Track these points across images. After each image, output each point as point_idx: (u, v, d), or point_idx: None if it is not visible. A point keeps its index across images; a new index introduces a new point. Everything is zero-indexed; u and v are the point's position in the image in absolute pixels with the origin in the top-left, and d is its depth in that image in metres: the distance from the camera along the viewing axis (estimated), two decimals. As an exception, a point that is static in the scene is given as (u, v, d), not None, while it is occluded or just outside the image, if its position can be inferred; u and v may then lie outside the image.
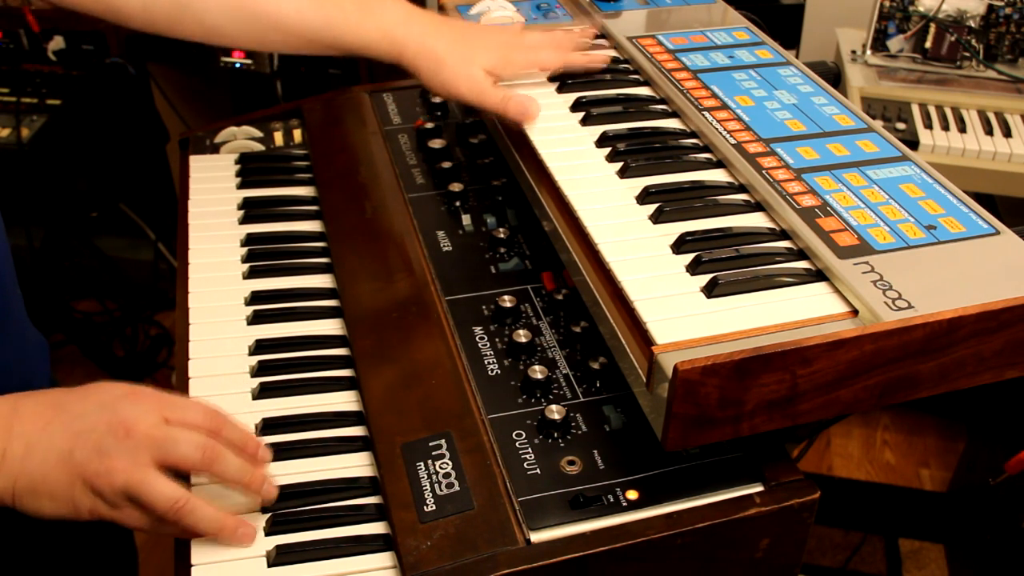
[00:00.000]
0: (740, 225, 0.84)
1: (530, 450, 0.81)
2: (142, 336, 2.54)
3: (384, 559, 0.77)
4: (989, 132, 1.73)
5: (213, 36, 1.01)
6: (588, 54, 1.08)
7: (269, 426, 0.87)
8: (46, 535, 0.98)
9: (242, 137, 1.26)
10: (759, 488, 0.79)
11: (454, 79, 1.00)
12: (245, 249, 1.08)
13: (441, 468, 0.80)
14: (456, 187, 1.11)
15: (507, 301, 0.95)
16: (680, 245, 0.81)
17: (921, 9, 1.88)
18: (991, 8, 1.85)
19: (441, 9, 1.25)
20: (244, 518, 0.77)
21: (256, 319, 0.99)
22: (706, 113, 0.97)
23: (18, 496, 0.72)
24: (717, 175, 0.92)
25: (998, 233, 0.81)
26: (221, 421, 0.78)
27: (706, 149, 0.95)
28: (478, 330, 0.94)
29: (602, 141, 0.96)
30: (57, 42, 2.29)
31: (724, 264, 0.78)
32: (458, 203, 1.10)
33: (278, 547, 0.76)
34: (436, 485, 0.78)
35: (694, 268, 0.78)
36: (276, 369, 0.93)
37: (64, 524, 0.97)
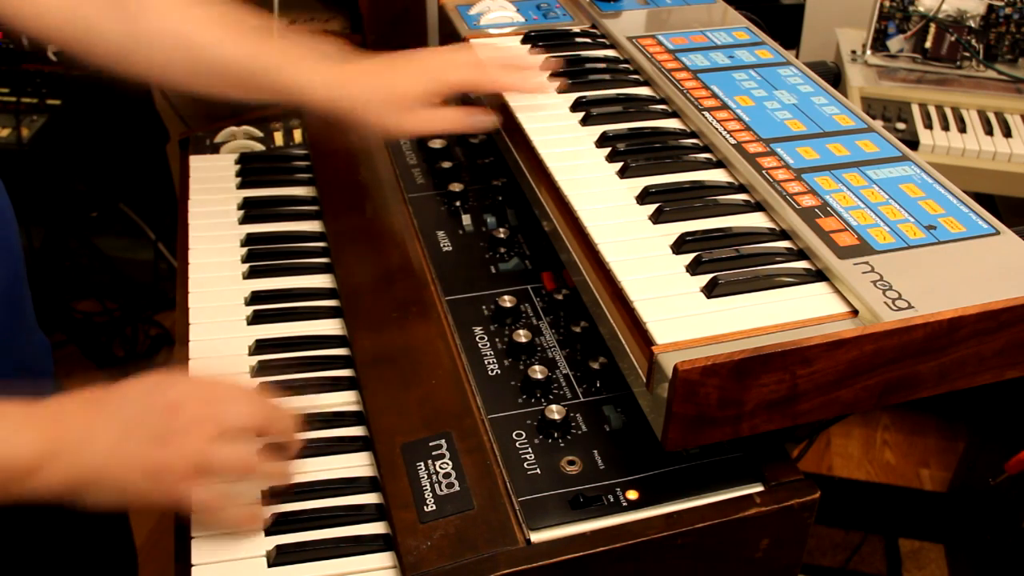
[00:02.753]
0: (740, 225, 0.84)
1: (530, 450, 0.81)
2: (142, 336, 2.54)
3: (384, 559, 0.77)
4: (989, 132, 1.73)
5: (159, 76, 0.98)
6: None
7: (269, 426, 0.87)
8: (47, 537, 0.98)
9: (242, 137, 1.26)
10: (759, 488, 0.79)
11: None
12: (245, 249, 1.08)
13: (441, 468, 0.80)
14: (456, 187, 1.11)
15: (507, 301, 0.95)
16: (680, 245, 0.81)
17: (921, 9, 1.88)
18: (991, 8, 1.85)
19: (441, 9, 1.26)
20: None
21: (256, 319, 0.99)
22: (706, 113, 0.97)
23: (76, 490, 0.72)
24: (717, 175, 0.92)
25: (998, 233, 0.81)
26: (274, 418, 0.79)
27: (706, 149, 0.95)
28: (478, 330, 0.94)
29: (602, 141, 0.96)
30: (57, 42, 2.28)
31: (724, 264, 0.78)
32: (458, 203, 1.10)
33: (278, 547, 0.76)
34: (436, 485, 0.78)
35: (694, 268, 0.78)
36: (276, 369, 0.93)
37: (63, 525, 0.97)
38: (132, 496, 0.74)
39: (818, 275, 0.78)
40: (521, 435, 0.83)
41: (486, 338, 0.93)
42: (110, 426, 0.72)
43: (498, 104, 1.07)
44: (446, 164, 1.14)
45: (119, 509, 0.73)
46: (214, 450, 0.74)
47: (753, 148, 0.92)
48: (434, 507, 0.77)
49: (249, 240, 1.09)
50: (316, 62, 0.97)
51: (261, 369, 0.93)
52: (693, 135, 0.97)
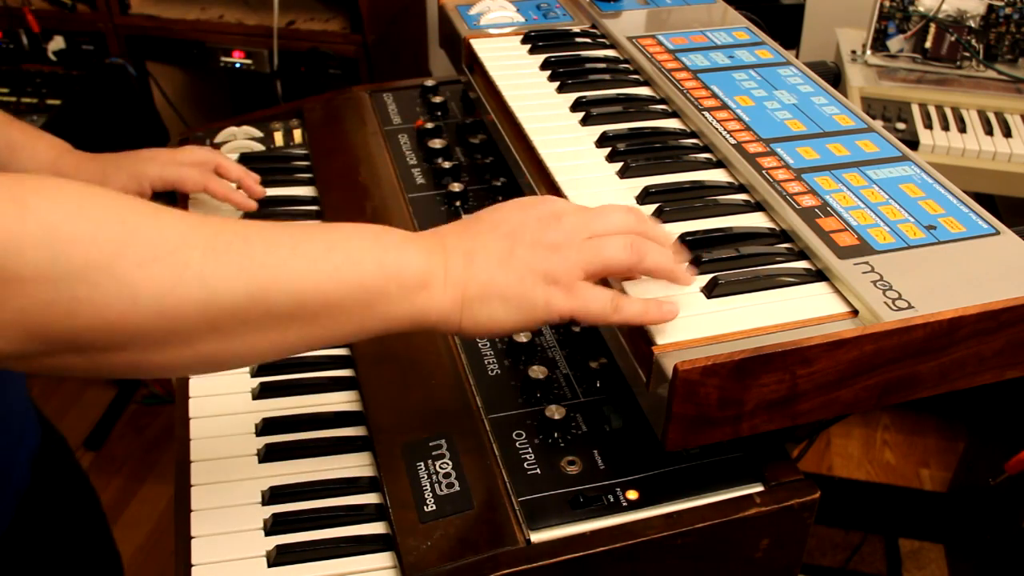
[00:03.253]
0: (740, 225, 0.84)
1: (530, 450, 0.81)
2: (142, 336, 2.54)
3: (384, 559, 0.77)
4: (989, 132, 1.73)
5: None
6: None
7: (269, 426, 0.87)
8: (29, 547, 0.97)
9: (242, 137, 1.26)
10: (759, 488, 0.79)
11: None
12: (245, 249, 1.08)
13: (441, 468, 0.80)
14: (456, 187, 1.11)
15: (507, 301, 0.95)
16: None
17: (921, 9, 1.88)
18: (991, 8, 1.85)
19: (441, 9, 1.26)
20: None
21: (256, 319, 0.99)
22: (706, 113, 0.97)
23: (467, 305, 0.68)
24: (717, 175, 0.92)
25: (998, 233, 0.81)
26: (640, 217, 0.74)
27: (706, 149, 0.95)
28: (478, 330, 0.94)
29: (602, 141, 0.96)
30: (57, 42, 2.29)
31: (724, 264, 0.78)
32: (458, 203, 1.10)
33: (278, 547, 0.77)
34: (436, 485, 0.78)
35: (694, 268, 0.78)
36: (276, 369, 0.93)
37: (46, 539, 0.96)
38: (524, 309, 0.69)
39: (818, 275, 0.78)
40: (521, 435, 0.83)
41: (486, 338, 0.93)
42: (494, 241, 0.70)
43: (497, 102, 1.07)
44: (446, 164, 1.15)
45: (504, 329, 0.70)
46: (597, 244, 0.70)
47: (753, 148, 0.92)
48: (434, 507, 0.77)
49: (249, 240, 1.09)
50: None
51: (261, 369, 0.93)
52: (693, 135, 0.97)
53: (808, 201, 0.84)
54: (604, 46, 1.15)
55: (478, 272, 0.69)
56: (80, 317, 0.56)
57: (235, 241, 0.62)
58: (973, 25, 1.87)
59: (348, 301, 0.65)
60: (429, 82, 1.33)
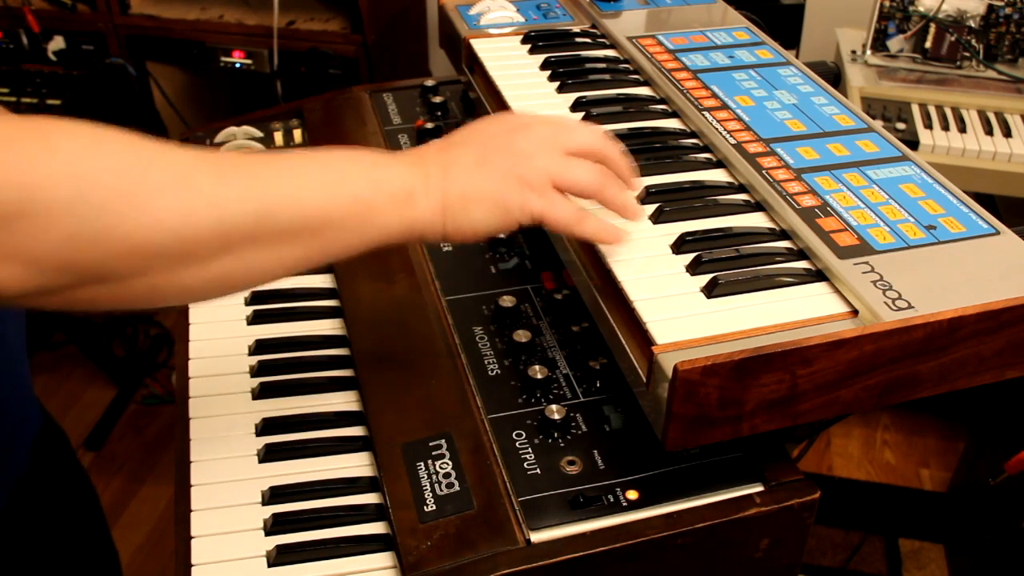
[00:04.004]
0: (740, 225, 0.84)
1: (530, 450, 0.81)
2: (142, 336, 2.55)
3: (384, 559, 0.77)
4: (989, 132, 1.73)
5: None
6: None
7: (269, 426, 0.87)
8: (23, 534, 0.97)
9: (242, 137, 1.26)
10: (759, 488, 0.79)
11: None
12: (245, 249, 1.08)
13: (441, 468, 0.80)
14: (456, 187, 1.10)
15: (507, 301, 0.95)
16: (680, 245, 0.81)
17: (921, 9, 1.88)
18: (991, 8, 1.85)
19: (441, 9, 1.26)
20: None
21: (256, 319, 0.99)
22: (706, 113, 0.97)
23: (449, 211, 0.74)
24: (717, 175, 0.92)
25: (998, 233, 0.81)
26: (605, 140, 0.81)
27: (706, 149, 0.95)
28: (478, 330, 0.94)
29: (602, 141, 0.96)
30: (57, 42, 2.29)
31: (724, 264, 0.78)
32: (458, 203, 1.10)
33: (278, 547, 0.77)
34: (436, 485, 0.78)
35: (694, 268, 0.78)
36: (276, 369, 0.93)
37: (43, 537, 0.96)
38: (500, 210, 0.75)
39: (818, 275, 0.78)
40: (521, 435, 0.83)
41: (486, 338, 0.93)
42: (468, 151, 0.76)
43: (497, 102, 1.07)
44: (446, 164, 1.14)
45: (484, 231, 0.76)
46: (568, 163, 0.76)
47: (753, 148, 0.92)
48: (434, 507, 0.77)
49: (249, 240, 1.09)
50: None
51: (261, 369, 0.93)
52: (693, 135, 0.97)
53: (808, 201, 0.84)
54: (604, 46, 1.15)
55: (456, 180, 0.74)
56: (105, 245, 0.61)
57: (239, 166, 0.68)
58: (973, 25, 1.87)
59: (345, 215, 0.71)
60: (429, 82, 1.33)
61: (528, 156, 0.75)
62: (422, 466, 0.80)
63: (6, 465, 0.94)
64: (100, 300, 0.65)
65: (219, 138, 1.26)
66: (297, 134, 1.27)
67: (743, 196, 0.88)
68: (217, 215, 0.65)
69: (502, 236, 1.03)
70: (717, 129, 0.95)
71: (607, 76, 1.07)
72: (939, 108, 1.79)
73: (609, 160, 0.80)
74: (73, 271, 0.61)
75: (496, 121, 0.79)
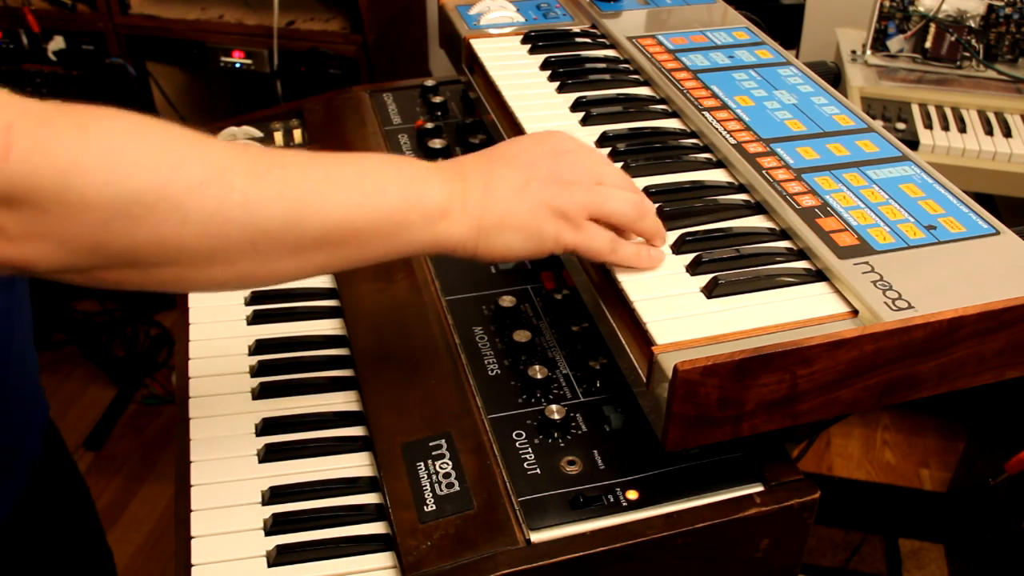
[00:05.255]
0: (740, 225, 0.84)
1: (530, 450, 0.81)
2: (142, 336, 2.55)
3: (384, 559, 0.77)
4: (989, 132, 1.73)
5: None
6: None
7: (269, 426, 0.87)
8: (19, 545, 0.98)
9: (242, 137, 1.26)
10: (759, 488, 0.79)
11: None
12: (245, 249, 1.08)
13: (441, 468, 0.80)
14: (456, 187, 1.10)
15: (507, 301, 0.95)
16: (680, 245, 0.81)
17: (921, 9, 1.88)
18: (991, 8, 1.85)
19: (441, 9, 1.26)
20: None
21: (256, 319, 0.99)
22: (706, 113, 0.97)
23: (484, 233, 0.74)
24: (717, 175, 0.92)
25: (998, 233, 0.81)
26: (637, 191, 0.81)
27: (706, 149, 0.95)
28: (478, 330, 0.94)
29: (602, 141, 0.96)
30: (57, 42, 2.29)
31: (724, 264, 0.78)
32: (458, 203, 1.10)
33: (278, 547, 0.77)
34: (436, 485, 0.78)
35: (694, 268, 0.78)
36: (276, 369, 0.93)
37: (36, 538, 0.97)
38: (534, 238, 0.75)
39: (818, 275, 0.78)
40: (521, 435, 0.83)
41: (486, 338, 0.93)
42: (510, 173, 0.75)
43: (497, 102, 1.07)
44: (446, 164, 1.14)
45: (516, 257, 0.76)
46: (605, 196, 0.76)
47: (753, 148, 0.92)
48: (434, 507, 0.77)
49: (249, 240, 1.09)
50: None
51: (261, 369, 0.93)
52: (693, 135, 0.97)
53: (808, 201, 0.84)
54: (604, 46, 1.15)
55: (495, 203, 0.74)
56: (136, 234, 0.62)
57: (274, 167, 0.67)
58: (973, 25, 1.87)
59: (374, 227, 0.71)
60: (429, 82, 1.33)
61: (568, 186, 0.75)
62: (422, 466, 0.80)
63: (23, 448, 0.96)
64: (127, 282, 0.66)
65: (219, 138, 1.26)
66: (297, 134, 1.27)
67: (743, 196, 0.88)
68: (247, 216, 0.65)
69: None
70: (717, 129, 0.95)
71: (607, 76, 1.07)
72: (939, 108, 1.79)
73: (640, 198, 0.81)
74: (103, 254, 0.62)
75: (539, 142, 0.79)
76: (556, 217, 0.74)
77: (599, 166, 0.78)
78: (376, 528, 0.79)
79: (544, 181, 0.75)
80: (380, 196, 0.70)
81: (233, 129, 1.27)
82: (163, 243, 0.63)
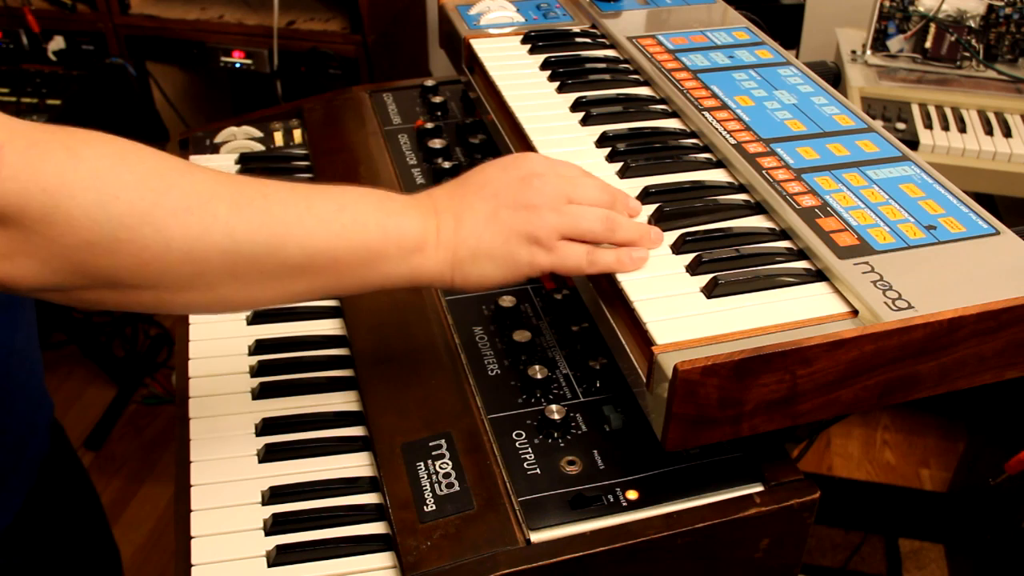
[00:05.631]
0: (740, 225, 0.84)
1: (530, 450, 0.81)
2: (142, 336, 2.55)
3: (384, 559, 0.77)
4: (989, 132, 1.73)
5: None
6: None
7: (269, 426, 0.87)
8: (28, 542, 0.98)
9: (242, 137, 1.26)
10: (759, 488, 0.79)
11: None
12: (245, 249, 1.08)
13: (441, 468, 0.80)
14: (456, 187, 1.10)
15: (507, 301, 0.95)
16: (680, 245, 0.81)
17: (921, 9, 1.88)
18: (991, 8, 1.85)
19: (441, 9, 1.26)
20: None
21: (256, 319, 0.99)
22: (706, 113, 0.97)
23: (458, 265, 0.75)
24: (717, 175, 0.92)
25: (998, 233, 0.81)
26: (612, 194, 0.82)
27: (706, 149, 0.95)
28: (478, 330, 0.94)
29: (602, 141, 0.96)
30: (57, 42, 2.29)
31: (724, 264, 0.78)
32: (458, 203, 1.10)
33: (278, 547, 0.77)
34: (436, 485, 0.78)
35: (694, 268, 0.78)
36: (276, 369, 0.93)
37: (43, 535, 0.97)
38: (509, 265, 0.76)
39: (818, 275, 0.78)
40: (521, 435, 0.83)
41: (486, 338, 0.93)
42: (479, 204, 0.76)
43: (497, 102, 1.07)
44: (446, 164, 1.14)
45: (493, 285, 0.77)
46: (575, 215, 0.77)
47: (753, 148, 0.92)
48: (434, 507, 0.77)
49: (249, 240, 1.09)
50: None
51: (261, 369, 0.93)
52: (693, 135, 0.97)
53: (808, 201, 0.84)
54: (604, 46, 1.15)
55: (467, 235, 0.76)
56: (118, 256, 0.63)
57: (257, 197, 0.69)
58: (973, 25, 1.87)
59: (353, 258, 0.72)
60: (429, 82, 1.33)
61: (537, 211, 0.76)
62: (422, 466, 0.80)
63: (29, 445, 0.96)
64: (108, 302, 0.67)
65: (219, 138, 1.26)
66: (297, 134, 1.27)
67: (743, 196, 0.88)
68: (229, 243, 0.67)
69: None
70: (717, 129, 0.95)
71: (607, 76, 1.07)
72: (939, 108, 1.79)
73: (616, 206, 0.81)
74: (86, 274, 0.63)
75: (507, 167, 0.79)
76: (528, 243, 0.75)
77: (568, 185, 0.78)
78: (376, 528, 0.79)
79: (513, 208, 0.76)
80: (359, 228, 0.72)
81: (233, 129, 1.27)
82: (145, 266, 0.64)
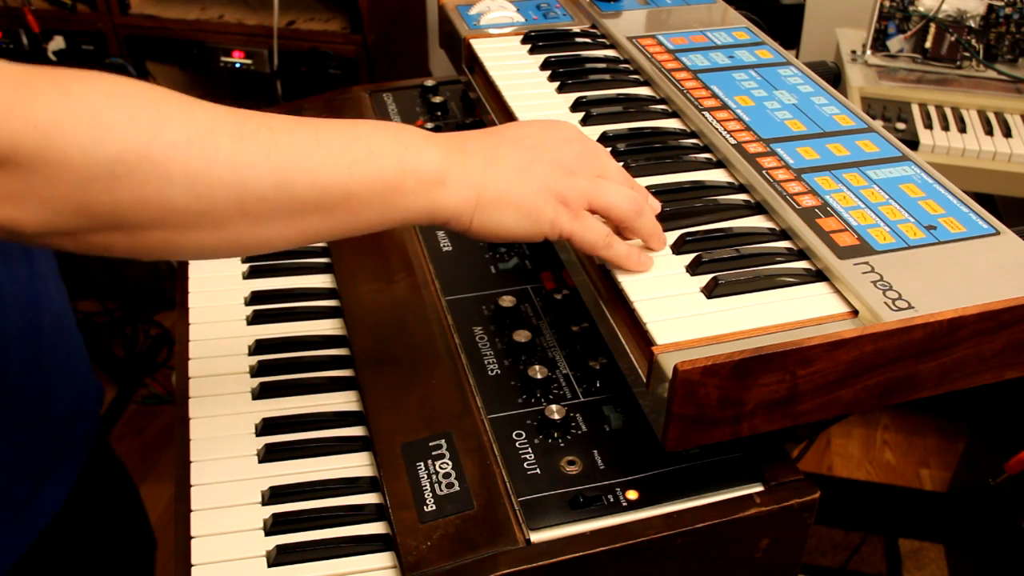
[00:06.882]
0: (740, 225, 0.84)
1: (530, 450, 0.81)
2: (142, 336, 2.55)
3: (384, 559, 0.77)
4: (989, 132, 1.73)
5: None
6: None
7: (269, 426, 0.87)
8: (64, 522, 0.99)
9: (242, 137, 1.26)
10: (759, 488, 0.79)
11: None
12: (245, 249, 1.08)
13: (441, 468, 0.80)
14: (456, 187, 1.10)
15: (507, 301, 0.95)
16: (680, 245, 0.81)
17: (921, 9, 1.89)
18: (991, 8, 1.85)
19: (441, 9, 1.26)
20: None
21: (256, 319, 0.99)
22: (706, 113, 0.97)
23: (480, 207, 0.73)
24: (717, 175, 0.92)
25: (998, 233, 0.81)
26: (639, 186, 0.81)
27: (706, 149, 0.95)
28: (478, 330, 0.94)
29: (602, 141, 0.96)
30: (57, 42, 2.29)
31: (724, 264, 0.78)
32: (458, 203, 1.10)
33: (278, 547, 0.77)
34: (436, 485, 0.78)
35: (694, 268, 0.78)
36: (276, 369, 0.93)
37: (79, 512, 0.98)
38: (531, 220, 0.74)
39: (818, 275, 0.78)
40: (521, 435, 0.83)
41: (486, 338, 0.93)
42: (516, 152, 0.75)
43: (497, 102, 1.07)
44: (446, 164, 1.14)
45: (509, 236, 0.75)
46: (608, 187, 0.76)
47: (753, 148, 0.92)
48: (434, 507, 0.77)
49: (249, 240, 1.09)
50: None
51: (261, 369, 0.93)
52: (693, 135, 0.97)
53: (808, 201, 0.84)
54: (604, 46, 1.15)
55: (498, 178, 0.73)
56: (119, 194, 0.61)
57: (261, 129, 0.66)
58: (973, 25, 1.87)
59: (368, 193, 0.69)
60: (429, 82, 1.33)
61: (571, 174, 0.75)
62: (422, 466, 0.80)
63: (75, 433, 0.98)
64: (116, 247, 0.65)
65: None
66: (297, 134, 1.27)
67: (743, 196, 0.88)
68: (234, 178, 0.64)
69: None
70: (717, 129, 0.95)
71: (607, 76, 1.07)
72: (939, 108, 1.79)
73: (640, 194, 0.81)
74: (87, 215, 0.61)
75: (548, 129, 0.78)
76: (556, 201, 0.74)
77: (604, 160, 0.79)
78: (376, 528, 0.79)
79: (549, 164, 0.75)
80: (374, 160, 0.69)
81: (233, 129, 1.27)
82: (148, 204, 0.62)
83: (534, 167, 0.74)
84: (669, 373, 0.67)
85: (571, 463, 0.80)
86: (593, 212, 0.76)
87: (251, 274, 1.05)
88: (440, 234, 1.06)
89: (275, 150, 0.65)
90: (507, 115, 1.03)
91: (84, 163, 0.59)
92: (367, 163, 0.69)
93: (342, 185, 0.68)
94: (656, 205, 0.83)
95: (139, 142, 0.60)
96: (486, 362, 0.90)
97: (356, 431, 0.87)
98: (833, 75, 1.25)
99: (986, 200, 1.82)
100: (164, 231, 0.64)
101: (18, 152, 0.58)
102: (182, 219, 0.64)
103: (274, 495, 0.81)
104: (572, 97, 1.03)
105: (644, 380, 0.72)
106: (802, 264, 0.79)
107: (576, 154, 0.76)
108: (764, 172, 0.88)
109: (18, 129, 0.57)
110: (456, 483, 0.78)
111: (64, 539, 0.96)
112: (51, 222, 0.61)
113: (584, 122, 0.99)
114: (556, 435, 0.83)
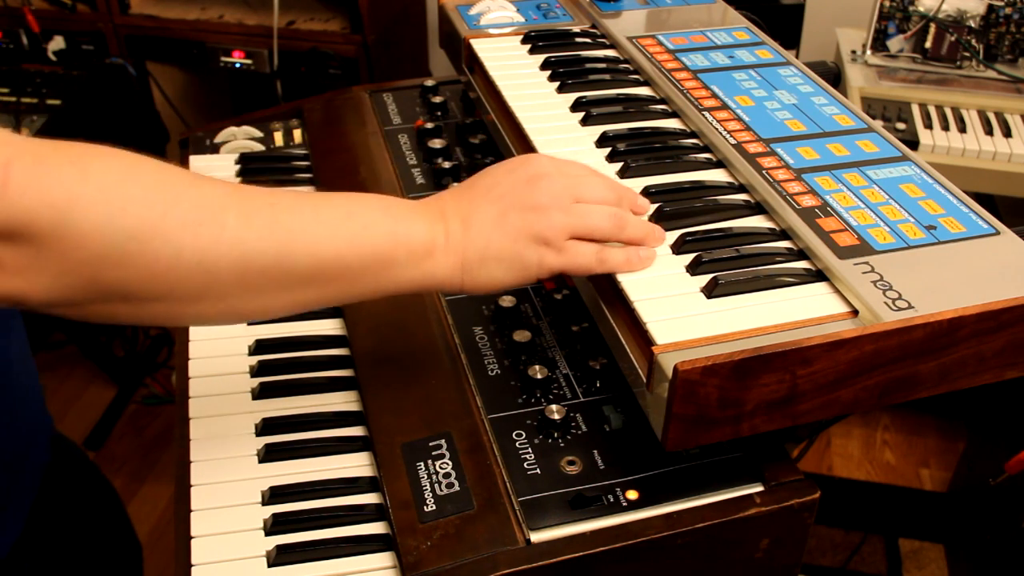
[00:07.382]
0: (740, 225, 0.84)
1: (530, 450, 0.81)
2: (142, 336, 2.55)
3: (384, 559, 0.77)
4: (989, 132, 1.73)
5: None
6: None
7: (269, 426, 0.87)
8: (53, 532, 0.98)
9: (242, 137, 1.26)
10: (759, 488, 0.79)
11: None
12: (245, 249, 1.08)
13: (441, 468, 0.80)
14: (456, 187, 1.10)
15: (507, 301, 0.95)
16: (680, 245, 0.81)
17: (921, 9, 1.88)
18: (991, 8, 1.85)
19: (441, 9, 1.26)
20: None
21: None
22: (706, 113, 0.97)
23: (467, 269, 0.75)
24: (717, 175, 0.92)
25: (998, 233, 0.81)
26: (619, 192, 0.82)
27: (706, 149, 0.95)
28: (478, 330, 0.94)
29: (602, 141, 0.96)
30: (57, 42, 2.29)
31: (724, 264, 0.78)
32: (458, 203, 1.10)
33: (278, 547, 0.77)
34: (436, 485, 0.78)
35: (694, 268, 0.78)
36: (276, 369, 0.93)
37: (67, 525, 0.98)
38: (518, 267, 0.76)
39: (818, 275, 0.78)
40: (521, 435, 0.83)
41: (486, 338, 0.93)
42: (487, 206, 0.76)
43: (497, 102, 1.07)
44: (446, 164, 1.14)
45: (502, 287, 0.77)
46: (583, 213, 0.77)
47: (753, 148, 0.92)
48: (434, 507, 0.77)
49: (249, 240, 1.09)
50: None
51: (261, 369, 0.93)
52: (693, 135, 0.97)
53: (808, 201, 0.84)
54: (604, 46, 1.15)
55: (475, 237, 0.75)
56: (129, 269, 0.63)
57: (264, 207, 0.69)
58: (973, 25, 1.87)
59: (362, 265, 0.72)
60: (429, 82, 1.33)
61: (545, 211, 0.75)
62: (422, 466, 0.80)
63: (26, 462, 0.96)
64: (120, 316, 0.68)
65: (219, 138, 1.26)
66: (297, 134, 1.27)
67: (743, 196, 0.88)
68: (239, 254, 0.67)
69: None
70: (717, 129, 0.95)
71: (607, 76, 1.07)
72: (939, 108, 1.79)
73: (624, 204, 0.81)
74: (97, 288, 0.64)
75: (513, 170, 0.79)
76: (537, 243, 0.75)
77: (575, 184, 0.78)
78: (376, 528, 0.79)
79: (520, 210, 0.75)
80: (367, 234, 0.72)
81: (233, 129, 1.27)
82: (156, 278, 0.65)
83: (507, 216, 0.75)
84: (669, 373, 0.67)
85: (571, 463, 0.80)
86: (579, 238, 0.77)
87: (251, 274, 1.05)
88: (440, 234, 1.06)
89: (277, 226, 0.69)
90: (507, 115, 1.03)
91: (99, 239, 0.61)
92: (362, 237, 0.72)
93: (339, 259, 0.71)
94: (644, 205, 0.83)
95: (152, 221, 0.63)
96: (486, 362, 0.90)
97: (356, 431, 0.87)
98: (833, 75, 1.25)
99: (986, 200, 1.82)
100: (168, 303, 0.67)
101: (33, 227, 0.59)
102: (187, 292, 0.67)
103: (274, 495, 0.81)
104: (572, 97, 1.03)
105: (644, 380, 0.73)
106: (802, 264, 0.79)
107: (545, 189, 0.76)
108: (764, 172, 0.88)
109: (35, 206, 0.59)
110: (456, 483, 0.78)
111: (33, 557, 0.96)
112: (60, 294, 0.63)
113: (584, 122, 0.99)
114: (556, 435, 0.83)
